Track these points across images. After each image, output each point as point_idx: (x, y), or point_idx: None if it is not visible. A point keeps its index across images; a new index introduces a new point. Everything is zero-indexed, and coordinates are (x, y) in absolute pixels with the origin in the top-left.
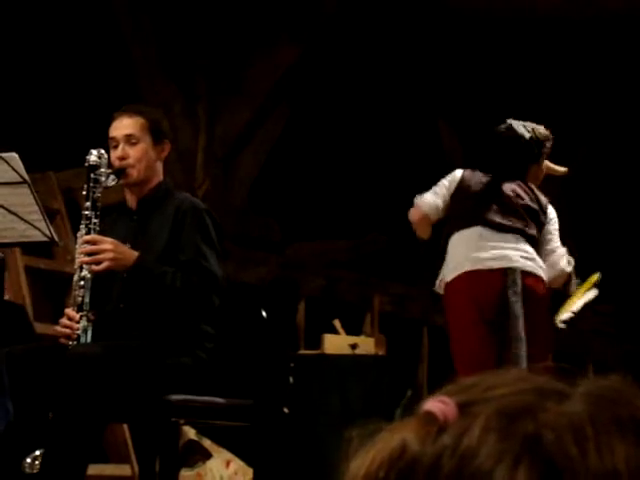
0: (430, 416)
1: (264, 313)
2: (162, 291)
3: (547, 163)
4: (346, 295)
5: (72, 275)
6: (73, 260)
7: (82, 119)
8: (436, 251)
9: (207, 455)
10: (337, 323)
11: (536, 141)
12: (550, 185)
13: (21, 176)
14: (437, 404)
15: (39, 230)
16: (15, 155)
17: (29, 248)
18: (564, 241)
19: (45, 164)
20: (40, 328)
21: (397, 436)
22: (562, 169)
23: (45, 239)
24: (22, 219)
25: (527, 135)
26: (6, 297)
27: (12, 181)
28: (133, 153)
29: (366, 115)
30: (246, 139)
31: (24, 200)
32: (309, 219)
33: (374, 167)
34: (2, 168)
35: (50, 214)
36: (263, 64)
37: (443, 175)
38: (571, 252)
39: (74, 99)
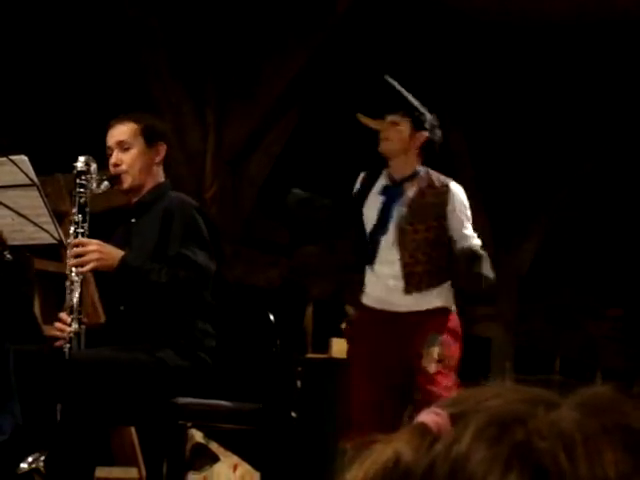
0: (423, 427)
1: (272, 316)
2: (149, 288)
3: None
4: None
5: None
6: None
7: (91, 122)
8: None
9: (214, 459)
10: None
11: None
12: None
13: (30, 179)
14: (430, 416)
15: (48, 232)
16: (25, 158)
17: (38, 250)
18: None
19: (54, 166)
20: (48, 330)
21: (391, 447)
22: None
23: (54, 241)
24: (31, 221)
25: None
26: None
27: (21, 183)
28: (126, 159)
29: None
30: (255, 143)
31: (33, 202)
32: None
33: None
34: (12, 170)
35: (59, 216)
36: (272, 68)
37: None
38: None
39: (84, 102)
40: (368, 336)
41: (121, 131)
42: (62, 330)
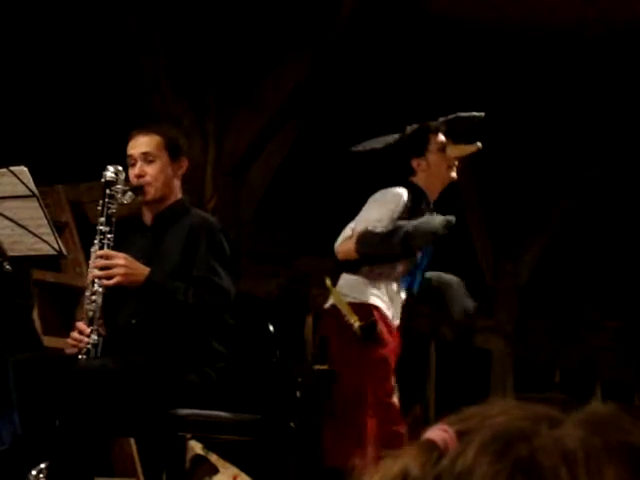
0: (431, 443)
1: (272, 327)
2: (174, 307)
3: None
4: None
5: (81, 288)
6: (82, 273)
7: (92, 133)
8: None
9: (214, 470)
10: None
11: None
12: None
13: (30, 189)
14: (438, 432)
15: (48, 243)
16: (24, 169)
17: (37, 261)
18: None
19: (54, 177)
20: (48, 341)
21: (399, 462)
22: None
23: (54, 252)
24: (31, 232)
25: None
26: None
27: (21, 194)
28: (150, 171)
29: (374, 130)
30: (255, 154)
31: (33, 213)
32: (317, 233)
33: (381, 181)
34: (11, 181)
35: (59, 227)
36: (273, 80)
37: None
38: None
39: (84, 113)
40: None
41: (145, 142)
42: (79, 340)
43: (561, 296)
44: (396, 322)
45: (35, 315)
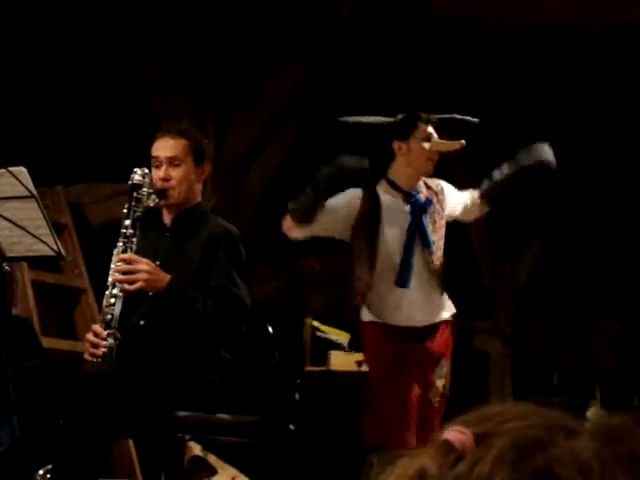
0: (448, 445)
1: (270, 329)
2: (192, 315)
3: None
4: (353, 311)
5: (79, 289)
6: (81, 275)
7: (91, 134)
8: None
9: (212, 471)
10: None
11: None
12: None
13: (29, 190)
14: (455, 434)
15: (46, 244)
16: (23, 169)
17: (36, 262)
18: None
19: (53, 178)
20: (47, 342)
21: (416, 462)
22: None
23: (52, 254)
24: (30, 233)
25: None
26: (13, 312)
27: (20, 195)
28: (175, 175)
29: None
30: (255, 154)
31: (32, 214)
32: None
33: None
34: (10, 182)
35: (57, 229)
36: (272, 80)
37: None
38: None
39: (84, 114)
40: None
41: (172, 146)
42: (95, 344)
43: (560, 298)
44: (415, 321)
45: (34, 316)
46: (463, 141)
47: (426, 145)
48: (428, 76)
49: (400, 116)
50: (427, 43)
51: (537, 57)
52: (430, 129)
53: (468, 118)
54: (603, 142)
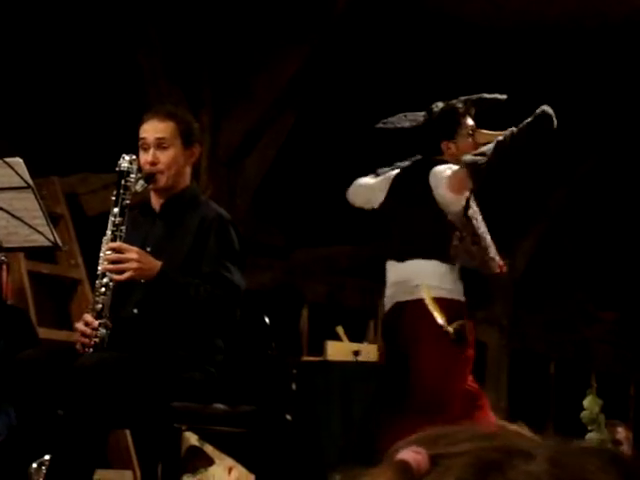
0: (405, 465)
1: (267, 319)
2: (185, 302)
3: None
4: (349, 301)
5: (75, 280)
6: (77, 265)
7: (87, 125)
8: None
9: (209, 461)
10: (340, 330)
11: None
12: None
13: (25, 181)
14: (411, 454)
15: (43, 235)
16: (20, 160)
17: (33, 253)
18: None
19: (49, 169)
20: (43, 333)
21: None
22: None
23: (49, 244)
24: (26, 224)
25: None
26: (9, 302)
27: (16, 186)
28: (163, 158)
29: (372, 121)
30: (251, 145)
31: (28, 205)
32: (313, 225)
33: (377, 164)
34: (7, 173)
35: (54, 219)
36: (268, 70)
37: None
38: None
39: (80, 105)
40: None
41: (160, 128)
42: (85, 333)
43: (556, 288)
44: None
45: (30, 306)
46: (508, 130)
47: (471, 140)
48: (425, 68)
49: (436, 110)
50: (424, 35)
51: (536, 49)
52: (470, 121)
53: (496, 95)
54: (600, 133)
